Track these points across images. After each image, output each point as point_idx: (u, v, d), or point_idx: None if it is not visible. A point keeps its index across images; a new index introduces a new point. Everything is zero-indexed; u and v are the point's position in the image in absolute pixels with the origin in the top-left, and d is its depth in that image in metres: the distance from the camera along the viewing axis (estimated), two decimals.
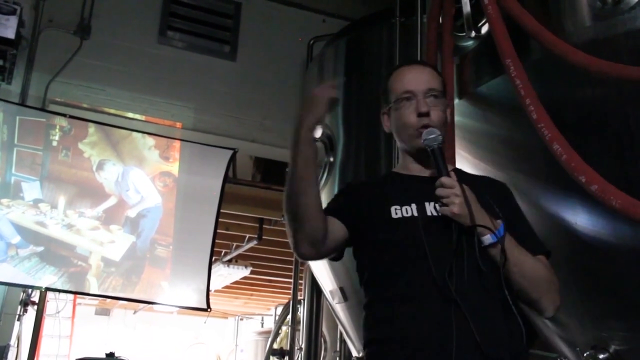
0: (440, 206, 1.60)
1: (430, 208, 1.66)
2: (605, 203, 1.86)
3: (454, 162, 2.53)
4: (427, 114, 1.71)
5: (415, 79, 1.78)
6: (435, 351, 1.51)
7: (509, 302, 1.54)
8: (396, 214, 1.68)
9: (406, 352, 1.55)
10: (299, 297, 5.85)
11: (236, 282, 9.68)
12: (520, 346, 1.58)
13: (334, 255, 1.80)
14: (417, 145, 1.73)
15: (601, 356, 2.50)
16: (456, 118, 2.92)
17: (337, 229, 1.73)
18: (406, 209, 1.68)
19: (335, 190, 3.89)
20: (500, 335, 1.54)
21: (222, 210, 5.19)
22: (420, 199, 1.68)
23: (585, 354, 2.54)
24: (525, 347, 1.61)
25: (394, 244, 1.67)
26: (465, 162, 3.04)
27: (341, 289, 4.02)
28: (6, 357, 4.43)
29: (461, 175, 1.75)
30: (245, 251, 7.86)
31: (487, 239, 1.57)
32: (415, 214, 1.66)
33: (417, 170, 1.80)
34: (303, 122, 1.59)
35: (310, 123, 1.60)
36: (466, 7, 2.80)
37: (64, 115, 4.75)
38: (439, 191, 1.60)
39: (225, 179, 5.14)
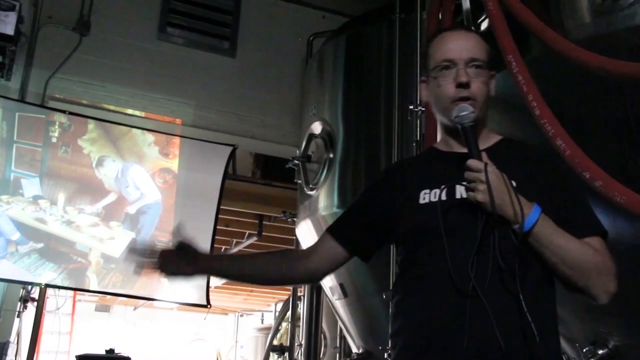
0: (466, 191, 1.49)
1: (461, 190, 1.54)
2: (610, 199, 1.83)
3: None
4: (466, 85, 1.57)
5: (458, 47, 1.62)
6: (447, 345, 1.43)
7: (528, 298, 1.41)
8: (423, 199, 1.58)
9: (419, 344, 1.49)
10: (299, 294, 5.86)
11: None
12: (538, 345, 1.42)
13: (333, 268, 1.80)
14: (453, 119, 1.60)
15: (600, 352, 2.50)
16: None
17: (326, 249, 1.75)
18: (435, 193, 1.56)
19: (336, 187, 3.89)
20: (514, 332, 1.42)
21: (222, 207, 5.20)
22: (451, 180, 1.56)
23: (584, 350, 2.55)
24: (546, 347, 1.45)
25: (415, 232, 1.59)
26: None
27: (341, 285, 4.02)
28: (6, 354, 4.44)
29: (506, 149, 1.64)
30: (245, 247, 7.86)
31: (517, 228, 1.43)
32: (444, 197, 1.55)
33: (458, 145, 1.65)
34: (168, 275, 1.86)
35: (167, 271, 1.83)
36: (466, 4, 2.80)
37: (63, 111, 4.75)
38: (467, 174, 1.48)
39: (225, 176, 5.14)
